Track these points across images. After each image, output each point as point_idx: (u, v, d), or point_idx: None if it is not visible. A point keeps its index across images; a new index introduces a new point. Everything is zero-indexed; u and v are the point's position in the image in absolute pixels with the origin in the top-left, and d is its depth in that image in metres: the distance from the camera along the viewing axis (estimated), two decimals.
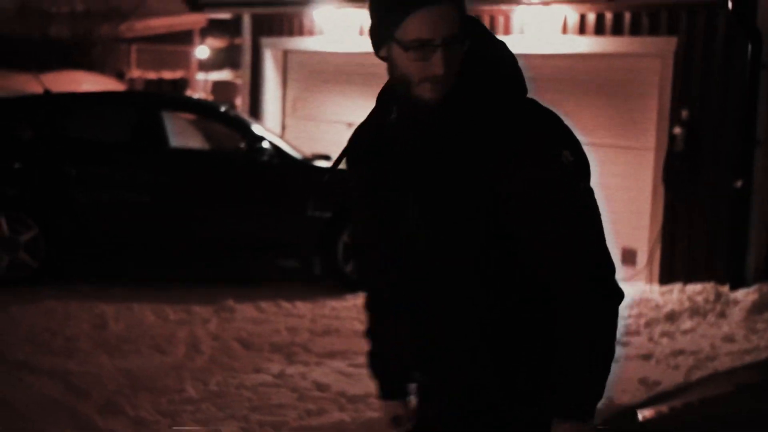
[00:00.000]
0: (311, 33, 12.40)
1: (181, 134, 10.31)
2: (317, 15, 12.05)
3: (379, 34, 2.13)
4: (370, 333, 2.45)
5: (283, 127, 13.06)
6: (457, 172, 2.10)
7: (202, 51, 36.11)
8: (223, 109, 10.08)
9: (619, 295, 2.10)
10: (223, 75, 33.41)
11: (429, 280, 2.18)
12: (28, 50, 19.77)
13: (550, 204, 2.05)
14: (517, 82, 2.17)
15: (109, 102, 10.11)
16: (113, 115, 9.49)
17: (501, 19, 10.27)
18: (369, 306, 2.44)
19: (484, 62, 2.16)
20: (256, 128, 9.31)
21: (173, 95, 17.42)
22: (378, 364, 2.46)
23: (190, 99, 14.05)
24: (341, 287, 8.69)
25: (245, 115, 11.32)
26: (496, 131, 2.08)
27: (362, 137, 2.28)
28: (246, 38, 13.49)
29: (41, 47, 20.72)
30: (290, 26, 12.72)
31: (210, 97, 22.70)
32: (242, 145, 9.05)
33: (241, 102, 14.48)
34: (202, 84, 30.42)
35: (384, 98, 2.24)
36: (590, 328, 2.06)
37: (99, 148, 9.02)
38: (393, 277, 2.26)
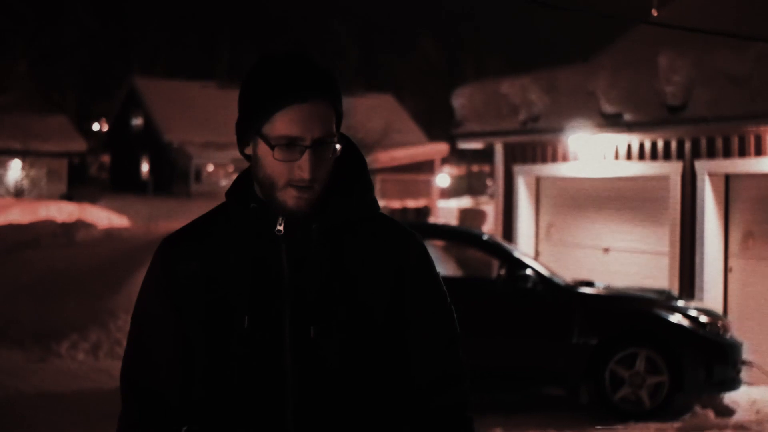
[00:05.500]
0: (565, 159, 12.46)
1: (439, 262, 10.49)
2: (571, 142, 12.11)
3: (245, 128, 1.93)
4: None
5: (537, 253, 13.06)
6: (349, 291, 1.96)
7: (442, 179, 37.00)
8: (485, 237, 10.19)
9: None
10: (463, 202, 34.02)
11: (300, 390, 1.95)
12: None
13: (432, 301, 2.07)
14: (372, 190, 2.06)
15: None
16: None
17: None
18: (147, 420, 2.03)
19: (353, 170, 2.01)
20: (519, 255, 9.30)
21: (435, 224, 17.83)
22: None
23: (450, 227, 14.28)
24: (609, 417, 8.45)
25: (506, 243, 11.39)
26: (383, 248, 1.99)
27: (188, 245, 2.01)
28: (498, 166, 13.71)
29: None
30: (543, 153, 12.83)
31: (457, 224, 23.08)
32: (502, 272, 9.07)
33: (491, 228, 14.64)
34: (443, 211, 31.07)
35: (219, 211, 2.03)
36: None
37: None
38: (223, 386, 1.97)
